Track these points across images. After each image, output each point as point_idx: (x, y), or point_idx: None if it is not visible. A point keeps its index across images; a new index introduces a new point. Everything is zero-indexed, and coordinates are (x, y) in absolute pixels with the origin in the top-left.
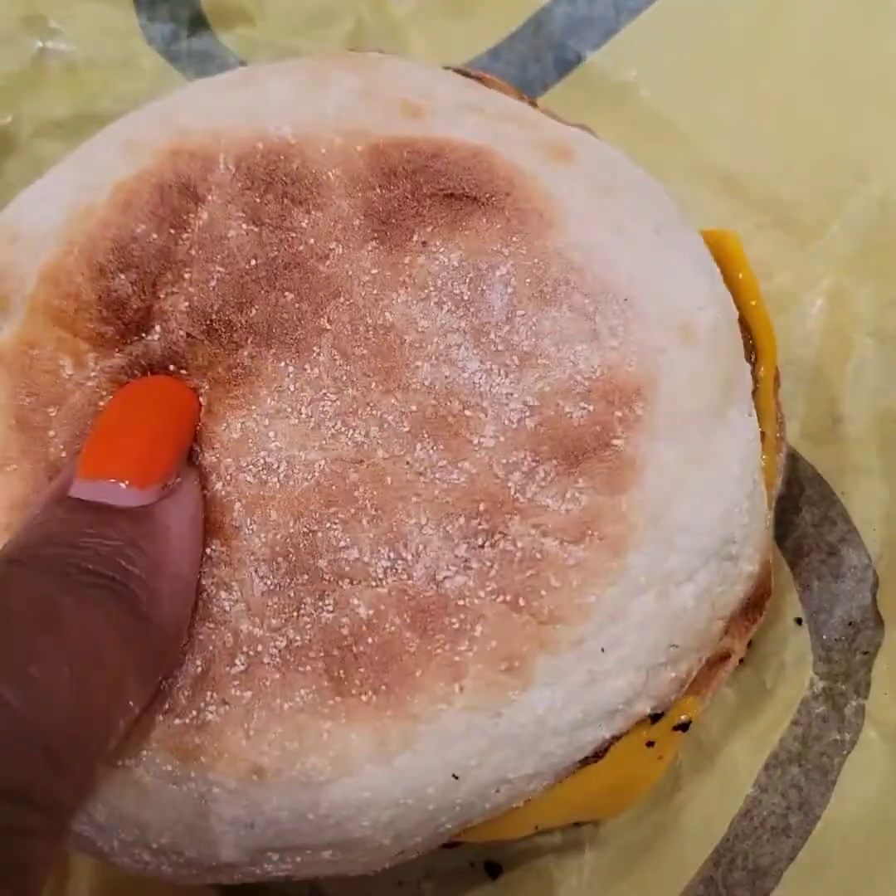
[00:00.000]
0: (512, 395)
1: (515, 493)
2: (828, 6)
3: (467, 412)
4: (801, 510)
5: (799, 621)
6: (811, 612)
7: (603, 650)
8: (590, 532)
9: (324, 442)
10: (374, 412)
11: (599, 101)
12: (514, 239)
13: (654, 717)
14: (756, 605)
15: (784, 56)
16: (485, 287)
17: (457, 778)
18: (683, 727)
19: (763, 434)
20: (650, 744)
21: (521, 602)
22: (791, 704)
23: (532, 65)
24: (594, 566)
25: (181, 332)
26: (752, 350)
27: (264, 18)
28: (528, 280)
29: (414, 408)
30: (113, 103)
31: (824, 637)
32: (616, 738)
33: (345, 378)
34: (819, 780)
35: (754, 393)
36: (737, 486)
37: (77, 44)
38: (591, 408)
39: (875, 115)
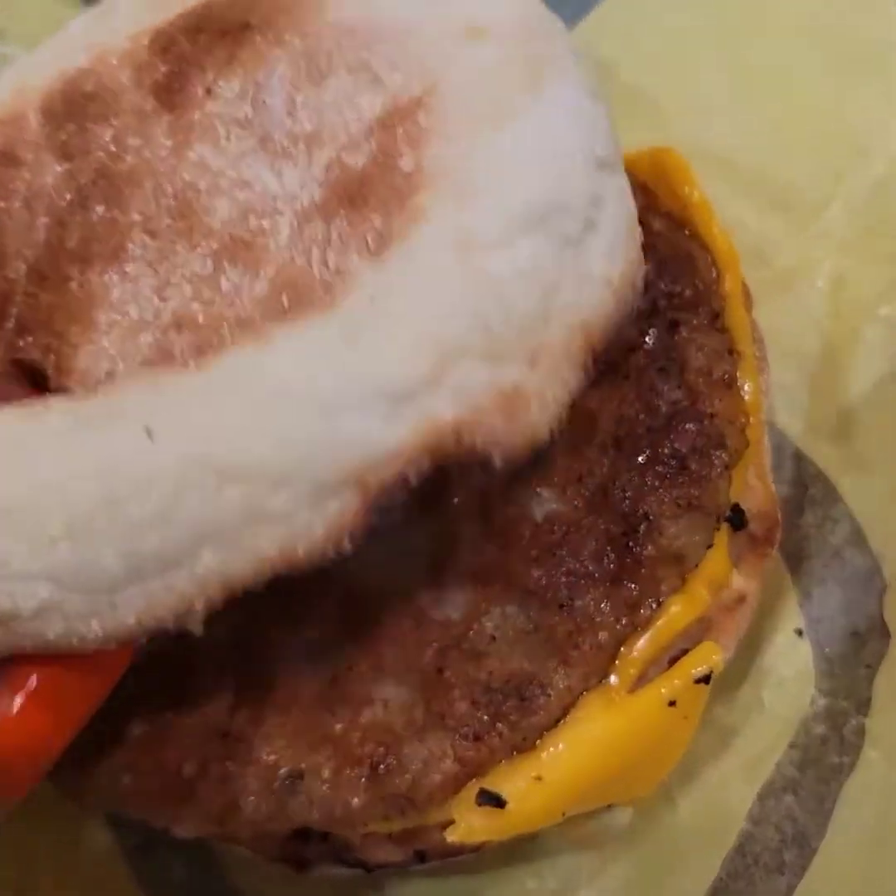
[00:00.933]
0: (304, 182)
1: (319, 271)
2: None
3: (264, 222)
4: (804, 511)
5: (799, 632)
6: (813, 622)
7: (372, 299)
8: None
9: (149, 326)
10: (184, 272)
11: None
12: (286, 36)
13: None
14: (766, 538)
15: (773, 28)
16: (265, 96)
17: (150, 437)
18: (705, 679)
19: (740, 353)
20: (672, 704)
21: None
22: (789, 725)
23: None
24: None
25: (23, 298)
26: (711, 267)
27: None
28: (302, 64)
29: (216, 246)
30: None
31: (827, 650)
32: (411, 466)
33: (157, 256)
34: (815, 810)
35: (723, 310)
36: (562, 155)
37: (23, 42)
38: (372, 144)
39: (874, 88)
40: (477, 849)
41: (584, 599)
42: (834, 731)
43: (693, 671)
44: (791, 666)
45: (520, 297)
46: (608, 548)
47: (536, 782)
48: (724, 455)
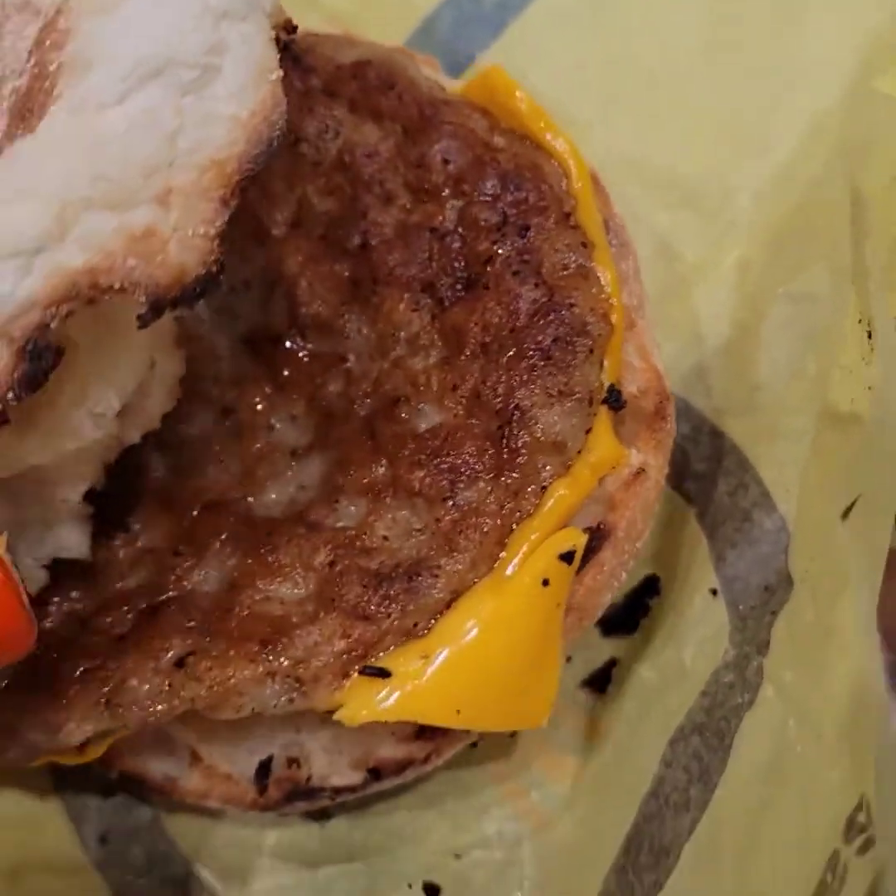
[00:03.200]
0: None
1: None
2: None
3: None
4: (718, 482)
5: (714, 592)
6: (727, 581)
7: None
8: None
9: None
10: None
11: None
12: None
13: None
14: (657, 412)
15: (674, 36)
16: None
17: None
18: (567, 558)
19: (594, 244)
20: (546, 583)
21: None
22: (703, 677)
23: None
24: None
25: None
26: (558, 170)
27: None
28: None
29: None
30: None
31: (740, 607)
32: (49, 313)
33: None
34: (717, 747)
35: (574, 208)
36: (171, 15)
37: None
38: (32, 62)
39: (771, 78)
40: (426, 760)
41: (467, 493)
42: (739, 676)
43: (557, 550)
44: (708, 625)
45: (136, 146)
46: (487, 444)
47: (423, 660)
48: (587, 341)
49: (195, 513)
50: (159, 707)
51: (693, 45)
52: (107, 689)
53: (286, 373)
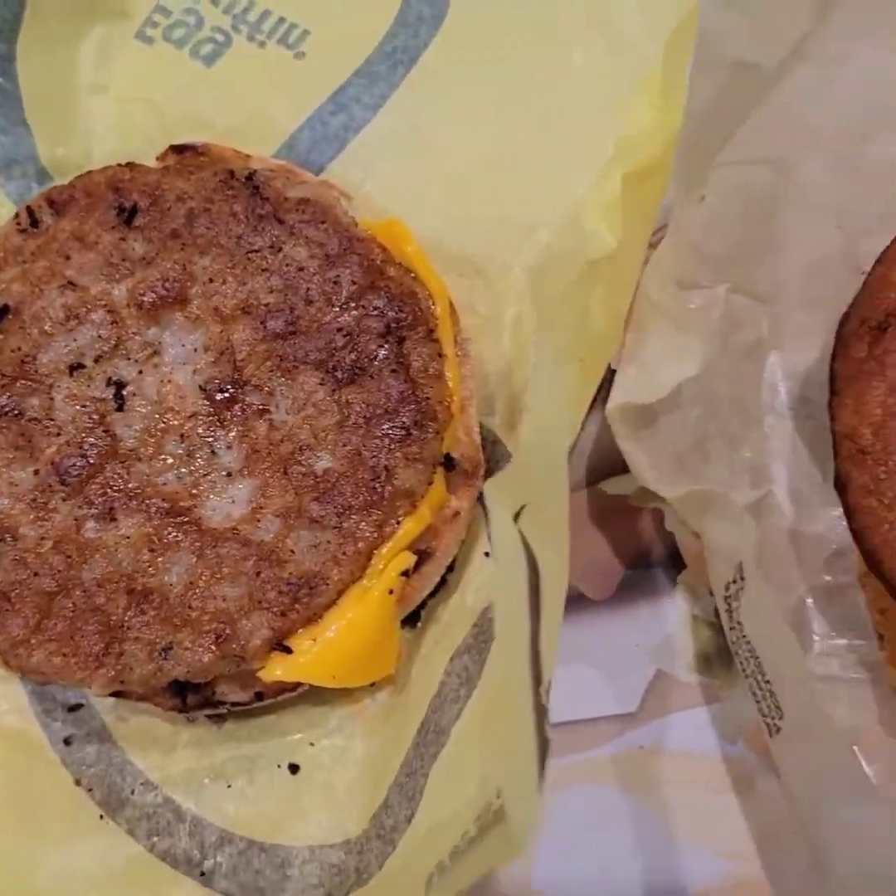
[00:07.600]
0: None
1: None
2: (484, 113)
3: None
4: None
5: (487, 554)
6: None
7: None
8: None
9: None
10: None
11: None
12: None
13: None
14: (472, 473)
15: (471, 152)
16: None
17: None
18: (405, 574)
19: (446, 355)
20: (391, 592)
21: None
22: (475, 613)
23: None
24: None
25: None
26: (428, 298)
27: None
28: None
29: None
30: None
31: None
32: None
33: None
34: (477, 660)
35: (436, 327)
36: None
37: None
38: None
39: (536, 185)
40: (294, 689)
41: (349, 523)
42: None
43: (399, 569)
44: (483, 576)
45: None
46: (363, 488)
47: (313, 642)
48: (434, 424)
49: (161, 515)
50: (154, 681)
51: (483, 158)
52: (119, 668)
53: (227, 414)
